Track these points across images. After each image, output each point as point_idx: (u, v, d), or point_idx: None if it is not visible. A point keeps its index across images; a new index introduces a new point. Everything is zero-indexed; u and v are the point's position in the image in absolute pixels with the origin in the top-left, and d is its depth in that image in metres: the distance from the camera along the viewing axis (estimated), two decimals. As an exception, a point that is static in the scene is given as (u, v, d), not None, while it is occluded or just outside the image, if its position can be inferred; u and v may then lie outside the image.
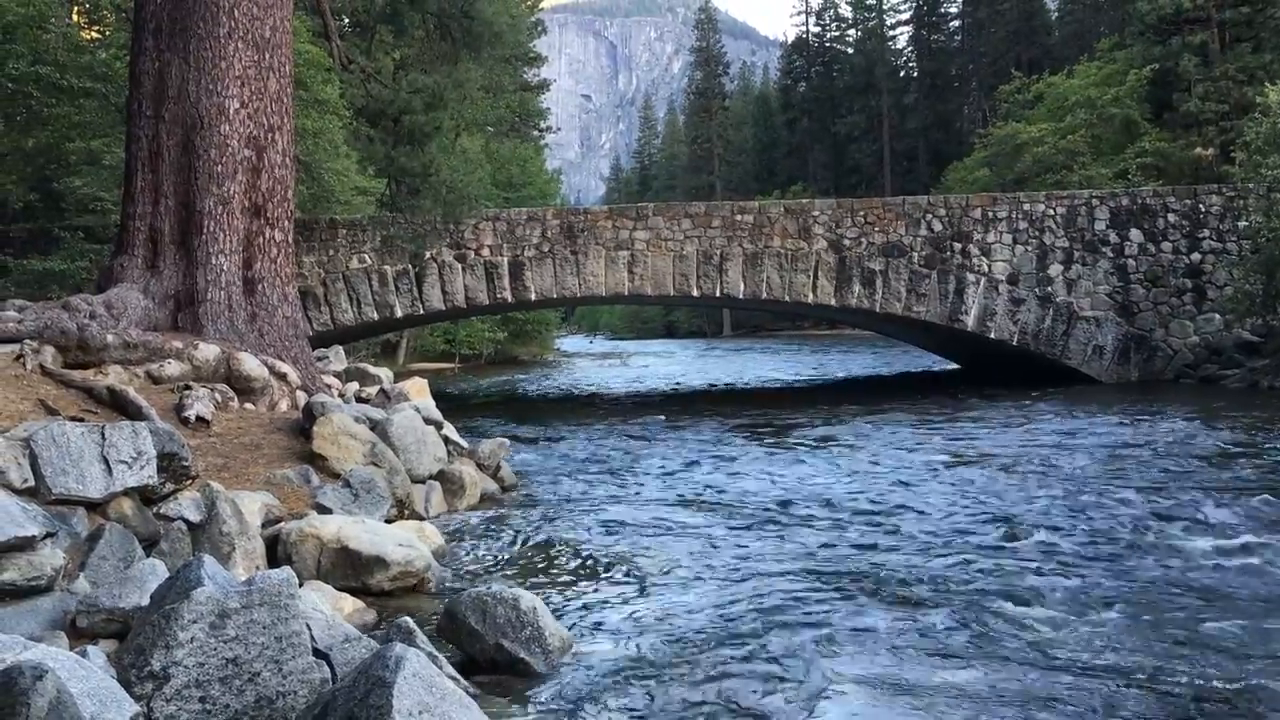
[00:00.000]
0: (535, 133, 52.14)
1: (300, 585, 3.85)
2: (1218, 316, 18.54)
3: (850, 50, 77.82)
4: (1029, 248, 19.06)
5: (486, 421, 14.95)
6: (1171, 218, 19.11)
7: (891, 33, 75.15)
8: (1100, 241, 19.08)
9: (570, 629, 4.71)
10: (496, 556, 6.49)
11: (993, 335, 18.77)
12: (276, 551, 5.56)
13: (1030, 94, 43.23)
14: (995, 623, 4.83)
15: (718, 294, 19.26)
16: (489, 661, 4.24)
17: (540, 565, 6.24)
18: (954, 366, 25.00)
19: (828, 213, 19.32)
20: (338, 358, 12.46)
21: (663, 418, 15.42)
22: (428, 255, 19.06)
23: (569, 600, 5.43)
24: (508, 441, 9.53)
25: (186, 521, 5.24)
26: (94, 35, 20.24)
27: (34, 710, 2.46)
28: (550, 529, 7.27)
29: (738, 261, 18.99)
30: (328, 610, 3.82)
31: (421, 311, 19.35)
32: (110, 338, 7.85)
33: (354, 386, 10.57)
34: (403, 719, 2.66)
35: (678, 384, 24.80)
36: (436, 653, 3.74)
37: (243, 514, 5.43)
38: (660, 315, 78.83)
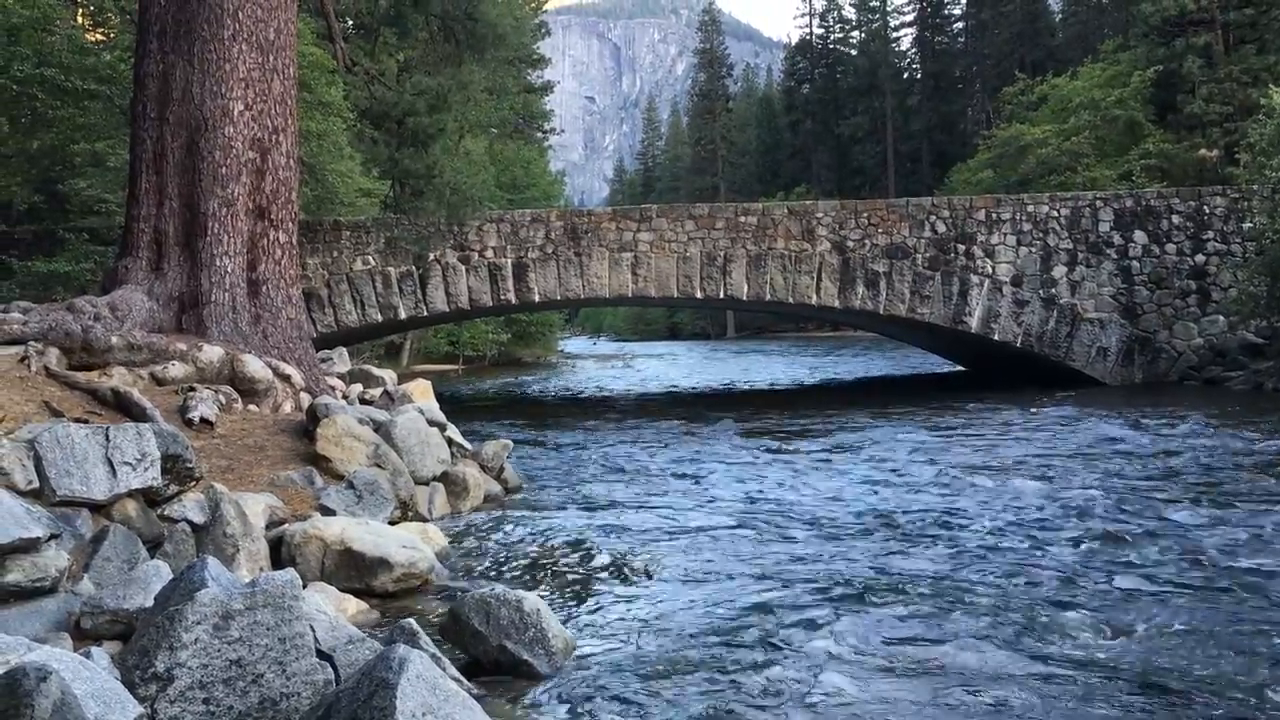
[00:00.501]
0: (539, 134, 52.19)
1: (304, 587, 3.85)
2: (1222, 318, 18.51)
3: (854, 52, 77.85)
4: (1033, 249, 19.04)
5: (490, 423, 14.95)
6: (1176, 219, 19.09)
7: (895, 34, 75.19)
8: (1104, 243, 19.06)
9: (574, 631, 4.71)
10: (500, 558, 6.49)
11: (997, 337, 18.75)
12: (280, 553, 5.57)
13: (1034, 95, 43.19)
14: (1018, 624, 4.82)
15: (721, 296, 19.26)
16: (492, 663, 4.24)
17: (543, 567, 6.24)
18: (959, 368, 24.97)
19: (831, 214, 19.31)
20: (341, 359, 12.47)
21: (667, 420, 15.42)
22: (432, 257, 19.09)
23: (572, 602, 5.43)
24: (511, 443, 9.53)
25: (190, 523, 5.25)
26: (98, 38, 20.29)
27: (38, 712, 2.47)
28: (554, 531, 7.27)
29: (741, 263, 18.99)
30: (331, 612, 3.82)
31: (425, 313, 19.37)
32: (114, 339, 7.86)
33: (358, 388, 10.58)
34: (406, 721, 2.66)
35: (681, 386, 24.79)
36: (440, 654, 3.74)
37: (246, 515, 5.43)
38: (664, 317, 78.88)
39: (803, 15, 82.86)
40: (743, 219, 19.22)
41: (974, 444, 11.48)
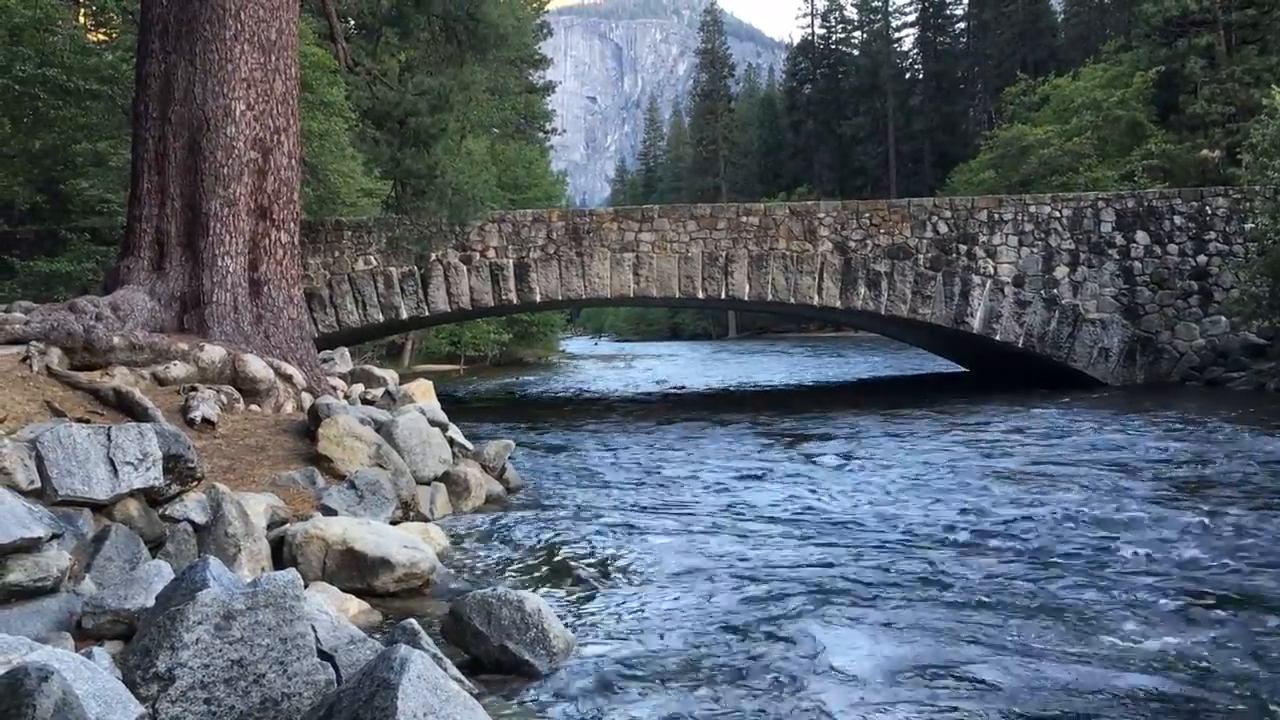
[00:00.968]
0: (540, 135, 52.18)
1: (305, 587, 3.86)
2: (1224, 319, 18.49)
3: (856, 52, 77.86)
4: (1035, 250, 19.03)
5: (491, 423, 14.95)
6: (1177, 220, 19.07)
7: (897, 35, 75.15)
8: (1106, 244, 19.05)
9: (575, 631, 4.71)
10: (501, 558, 6.49)
11: (998, 337, 18.74)
12: (282, 553, 5.57)
13: (1036, 96, 43.19)
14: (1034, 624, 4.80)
15: (723, 296, 19.25)
16: (493, 663, 4.24)
17: (545, 567, 6.24)
18: (960, 369, 24.95)
19: (833, 215, 19.31)
20: (343, 359, 12.48)
21: (669, 420, 15.42)
22: (433, 257, 19.09)
23: (573, 602, 5.43)
24: (512, 443, 9.53)
25: (192, 523, 5.25)
26: (100, 38, 20.31)
27: (40, 711, 2.47)
28: (555, 531, 7.27)
29: (743, 263, 18.99)
30: (333, 612, 3.82)
31: (427, 313, 19.38)
32: (116, 339, 7.87)
33: (359, 388, 10.58)
34: (407, 721, 2.66)
35: (683, 386, 24.79)
36: (441, 654, 3.74)
37: (248, 515, 5.44)
38: (665, 317, 78.84)
39: (804, 15, 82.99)
40: (744, 219, 19.21)
41: (983, 448, 11.47)
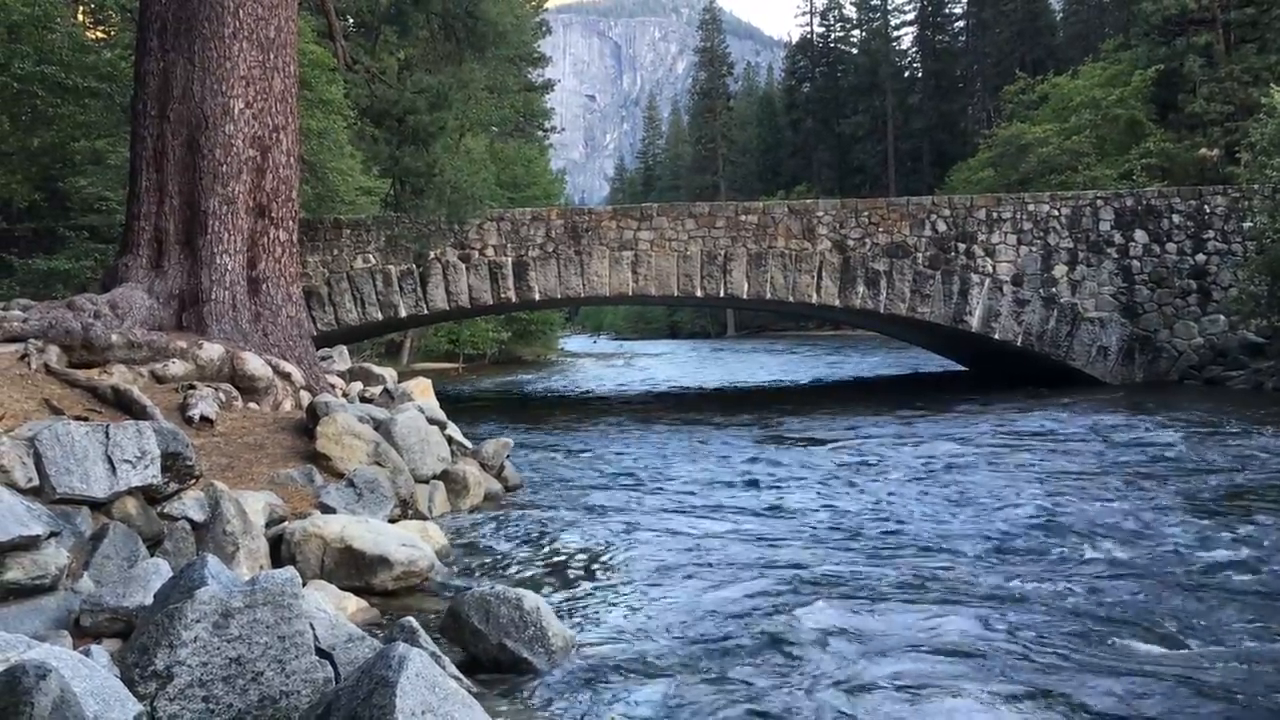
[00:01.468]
0: (539, 133, 52.14)
1: (304, 585, 3.86)
2: (1222, 318, 18.50)
3: (855, 50, 77.72)
4: (1034, 248, 19.03)
5: (490, 422, 14.95)
6: (1176, 219, 19.08)
7: (896, 33, 75.04)
8: (1105, 242, 19.05)
9: (573, 629, 4.71)
10: (500, 556, 6.49)
11: (997, 336, 18.74)
12: (280, 551, 5.57)
13: (1035, 94, 43.15)
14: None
15: (722, 294, 19.25)
16: (492, 661, 4.24)
17: (543, 565, 6.24)
18: (959, 368, 24.95)
19: (832, 213, 19.30)
20: (342, 358, 12.47)
21: (668, 418, 15.42)
22: (432, 255, 19.08)
23: (572, 600, 5.43)
24: (511, 442, 9.53)
25: (190, 521, 5.25)
26: (99, 35, 20.28)
27: (38, 710, 2.47)
28: (553, 529, 7.27)
29: (742, 262, 18.98)
30: (331, 610, 3.82)
31: (426, 311, 19.37)
32: (115, 337, 7.86)
33: (358, 386, 10.58)
34: (406, 719, 2.66)
35: (682, 385, 24.79)
36: (440, 652, 3.74)
37: (246, 514, 5.43)
38: (664, 316, 78.77)
39: (803, 14, 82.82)
40: (743, 218, 19.21)
41: (983, 447, 11.47)
